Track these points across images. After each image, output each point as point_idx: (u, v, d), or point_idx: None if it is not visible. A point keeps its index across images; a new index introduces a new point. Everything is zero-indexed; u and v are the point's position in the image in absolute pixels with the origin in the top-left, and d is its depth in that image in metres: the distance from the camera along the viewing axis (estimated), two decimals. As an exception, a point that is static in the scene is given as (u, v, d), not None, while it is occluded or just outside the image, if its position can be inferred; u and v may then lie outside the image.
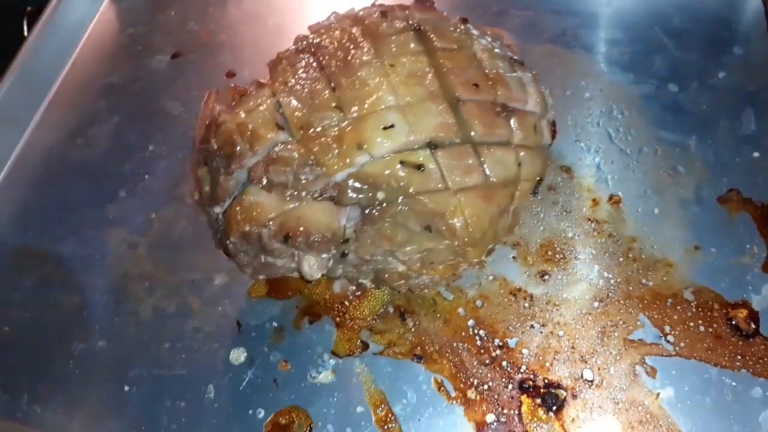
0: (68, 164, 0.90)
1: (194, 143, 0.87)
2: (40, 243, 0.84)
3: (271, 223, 0.60)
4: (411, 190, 0.59)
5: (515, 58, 0.70)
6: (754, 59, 0.82)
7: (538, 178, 0.66)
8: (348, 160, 0.59)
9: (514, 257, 0.73)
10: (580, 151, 0.79)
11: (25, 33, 1.00)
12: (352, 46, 0.65)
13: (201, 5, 1.06)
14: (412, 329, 0.71)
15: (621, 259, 0.72)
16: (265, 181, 0.59)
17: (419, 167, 0.59)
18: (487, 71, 0.65)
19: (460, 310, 0.71)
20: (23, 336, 0.76)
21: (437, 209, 0.59)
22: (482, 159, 0.61)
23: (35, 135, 0.94)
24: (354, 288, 0.73)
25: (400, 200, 0.59)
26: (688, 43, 0.84)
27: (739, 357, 0.65)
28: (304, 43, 0.69)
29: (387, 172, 0.59)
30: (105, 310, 0.77)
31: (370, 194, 0.59)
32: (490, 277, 0.72)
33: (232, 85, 0.72)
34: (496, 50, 0.68)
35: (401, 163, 0.59)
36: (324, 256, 0.62)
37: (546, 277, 0.72)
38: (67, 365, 0.74)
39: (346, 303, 0.73)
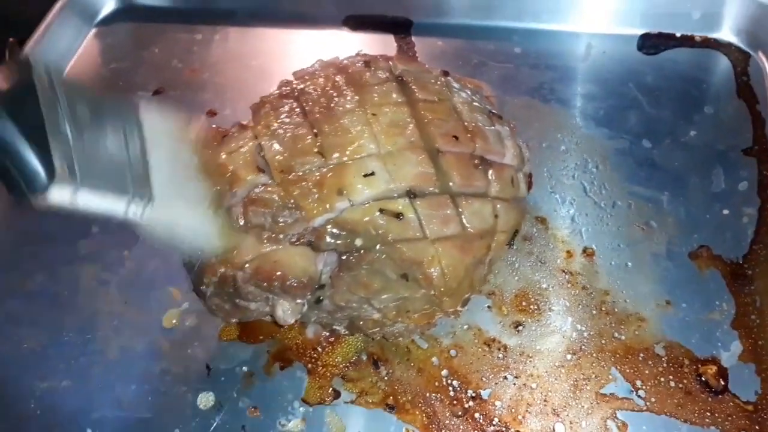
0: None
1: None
2: (9, 277, 0.82)
3: (247, 265, 0.60)
4: (389, 238, 0.59)
5: (494, 111, 0.72)
6: (724, 119, 0.85)
7: (514, 230, 0.67)
8: (328, 206, 0.59)
9: (489, 306, 0.73)
10: (555, 203, 0.80)
11: (6, 64, 1.00)
12: (335, 94, 0.66)
13: (186, 43, 1.06)
14: (385, 378, 0.70)
15: (594, 312, 0.72)
16: (242, 222, 0.59)
17: (398, 215, 0.59)
18: (466, 124, 0.66)
19: (434, 359, 0.71)
20: (-16, 374, 0.74)
21: (415, 258, 0.60)
22: (460, 209, 0.62)
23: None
24: (327, 334, 0.72)
25: (378, 248, 0.59)
26: (661, 100, 0.87)
27: (708, 414, 0.65)
28: (288, 88, 0.69)
29: (366, 219, 0.59)
30: (71, 349, 0.76)
31: (348, 240, 0.59)
32: (465, 326, 0.72)
33: (214, 126, 0.72)
34: (476, 103, 0.70)
35: (380, 210, 0.59)
36: (299, 301, 0.62)
37: (520, 327, 0.72)
38: (29, 405, 0.71)
39: (319, 349, 0.72)
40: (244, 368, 0.72)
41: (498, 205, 0.64)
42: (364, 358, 0.72)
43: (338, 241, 0.59)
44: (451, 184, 0.62)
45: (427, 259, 0.60)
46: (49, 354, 0.75)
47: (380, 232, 0.59)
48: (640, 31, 0.93)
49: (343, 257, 0.60)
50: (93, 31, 1.10)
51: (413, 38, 0.99)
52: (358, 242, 0.59)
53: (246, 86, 0.99)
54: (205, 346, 0.75)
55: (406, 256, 0.59)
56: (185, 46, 1.06)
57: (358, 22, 1.03)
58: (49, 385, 0.73)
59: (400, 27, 1.00)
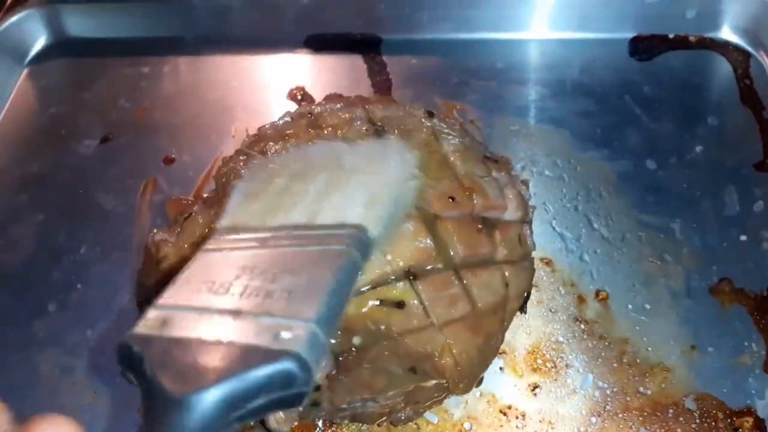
0: (-15, 274, 0.79)
1: (132, 247, 0.78)
2: (-43, 372, 0.73)
3: (232, 379, 0.52)
4: (392, 331, 0.52)
5: (488, 155, 0.64)
6: (730, 131, 0.78)
7: (525, 293, 0.60)
8: (317, 302, 0.51)
9: (501, 368, 0.67)
10: (559, 240, 0.73)
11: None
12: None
13: (131, 79, 0.96)
14: (395, 462, 0.63)
15: (615, 365, 0.66)
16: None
17: (399, 304, 0.52)
18: (461, 177, 0.59)
19: (447, 435, 0.64)
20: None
21: (423, 351, 0.52)
22: (466, 283, 0.54)
23: (-56, 240, 0.82)
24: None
25: (379, 344, 0.52)
26: (660, 113, 0.80)
27: (751, 474, 0.60)
28: (257, 149, 0.61)
29: (363, 311, 0.51)
30: (38, 452, 0.67)
31: (344, 340, 0.52)
32: (477, 394, 0.65)
33: (173, 197, 0.64)
34: (470, 151, 0.62)
35: (380, 301, 0.51)
36: (292, 409, 0.54)
37: (537, 390, 0.65)
38: None
39: (318, 433, 0.65)
40: (237, 459, 0.65)
41: (507, 272, 0.57)
42: (370, 439, 0.65)
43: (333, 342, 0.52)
44: (452, 254, 0.55)
45: (437, 351, 0.52)
46: (14, 460, 0.67)
47: (381, 327, 0.51)
48: (630, 34, 0.85)
49: (340, 357, 0.52)
50: (25, 71, 0.99)
51: (383, 57, 0.90)
52: (356, 341, 0.51)
53: (204, 123, 0.90)
54: (191, 436, 0.67)
55: (413, 350, 0.52)
56: (131, 82, 0.95)
57: (321, 43, 0.94)
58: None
59: (367, 45, 0.91)
